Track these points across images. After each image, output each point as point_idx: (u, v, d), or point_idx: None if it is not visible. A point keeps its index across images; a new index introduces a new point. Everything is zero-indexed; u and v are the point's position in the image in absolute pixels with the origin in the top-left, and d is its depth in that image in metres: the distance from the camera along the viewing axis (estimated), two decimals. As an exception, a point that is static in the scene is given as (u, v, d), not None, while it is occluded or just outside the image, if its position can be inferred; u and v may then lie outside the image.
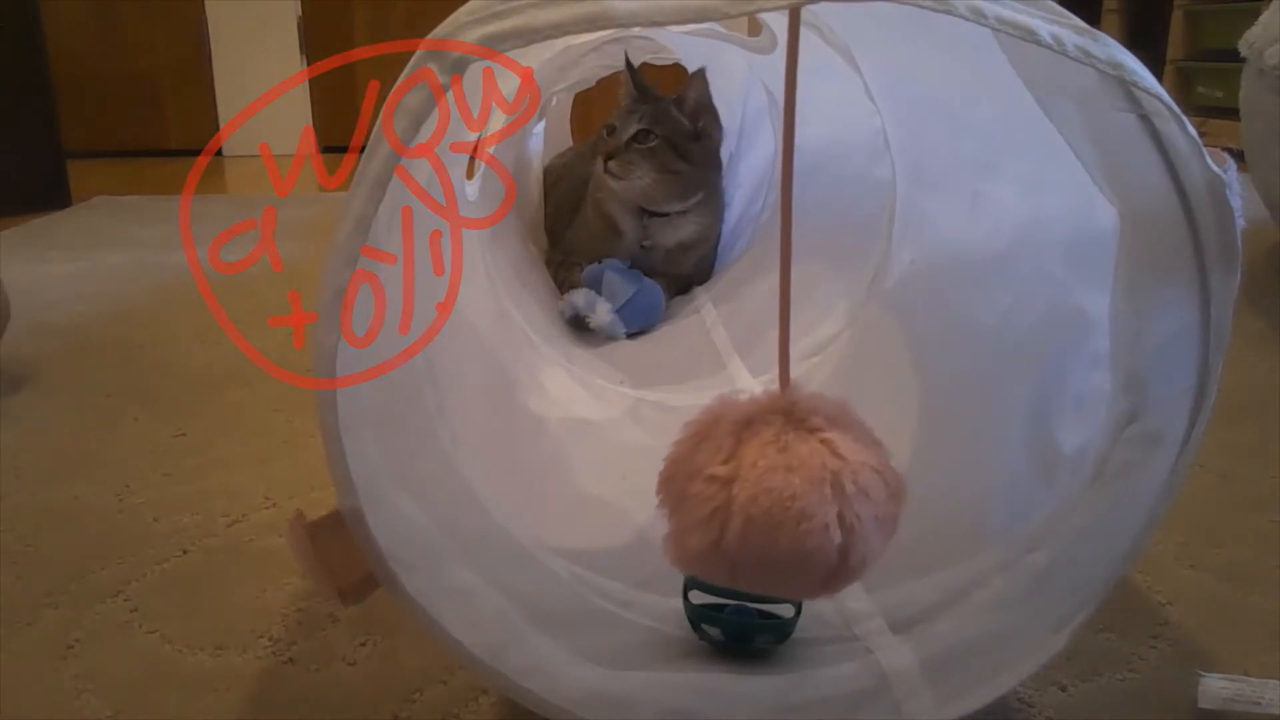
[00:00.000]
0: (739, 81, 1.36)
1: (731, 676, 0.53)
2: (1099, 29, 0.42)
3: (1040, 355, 0.64)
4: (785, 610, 0.56)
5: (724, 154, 1.40)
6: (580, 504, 0.74)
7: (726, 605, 0.56)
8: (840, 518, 0.42)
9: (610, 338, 1.14)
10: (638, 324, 1.16)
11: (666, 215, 1.24)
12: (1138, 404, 0.51)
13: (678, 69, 1.36)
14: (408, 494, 0.50)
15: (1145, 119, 0.45)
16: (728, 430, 0.44)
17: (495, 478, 0.65)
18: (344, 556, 0.45)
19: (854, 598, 0.58)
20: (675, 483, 0.45)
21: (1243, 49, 1.48)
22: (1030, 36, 0.40)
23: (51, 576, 0.71)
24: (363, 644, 0.63)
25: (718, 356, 1.04)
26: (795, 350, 0.86)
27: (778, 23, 0.96)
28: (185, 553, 0.74)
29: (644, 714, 0.48)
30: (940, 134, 0.82)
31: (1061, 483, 0.57)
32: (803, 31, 0.79)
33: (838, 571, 0.43)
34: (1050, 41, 0.40)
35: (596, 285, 1.18)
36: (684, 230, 1.25)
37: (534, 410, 0.85)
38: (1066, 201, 0.59)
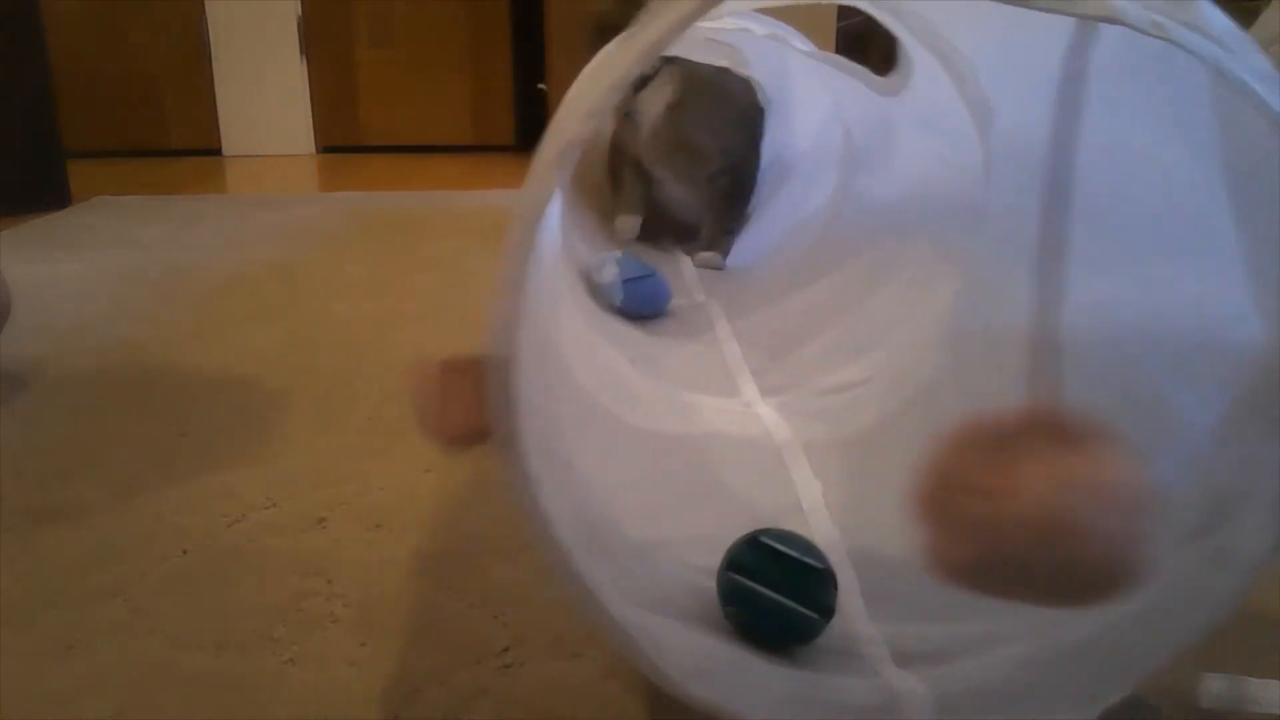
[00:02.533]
0: (812, 113, 1.46)
1: (752, 657, 0.54)
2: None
3: None
4: (811, 615, 0.57)
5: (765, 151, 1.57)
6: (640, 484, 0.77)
7: (760, 592, 0.57)
8: (1119, 531, 0.43)
9: (608, 300, 1.23)
10: (637, 305, 1.26)
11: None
12: (1216, 520, 0.49)
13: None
14: (539, 380, 0.50)
15: None
16: (989, 443, 0.45)
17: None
18: (463, 404, 0.45)
19: (862, 623, 0.59)
20: (937, 494, 0.46)
21: (1243, 49, 1.48)
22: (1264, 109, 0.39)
23: (51, 576, 0.71)
24: (363, 644, 0.63)
25: (729, 376, 1.04)
26: (847, 372, 0.87)
27: (922, 63, 0.89)
28: (185, 553, 0.74)
29: (679, 662, 0.48)
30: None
31: None
32: (937, 74, 0.78)
33: (1110, 585, 0.44)
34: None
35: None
36: (658, 96, 1.47)
37: (582, 384, 0.86)
38: (1195, 300, 0.57)
